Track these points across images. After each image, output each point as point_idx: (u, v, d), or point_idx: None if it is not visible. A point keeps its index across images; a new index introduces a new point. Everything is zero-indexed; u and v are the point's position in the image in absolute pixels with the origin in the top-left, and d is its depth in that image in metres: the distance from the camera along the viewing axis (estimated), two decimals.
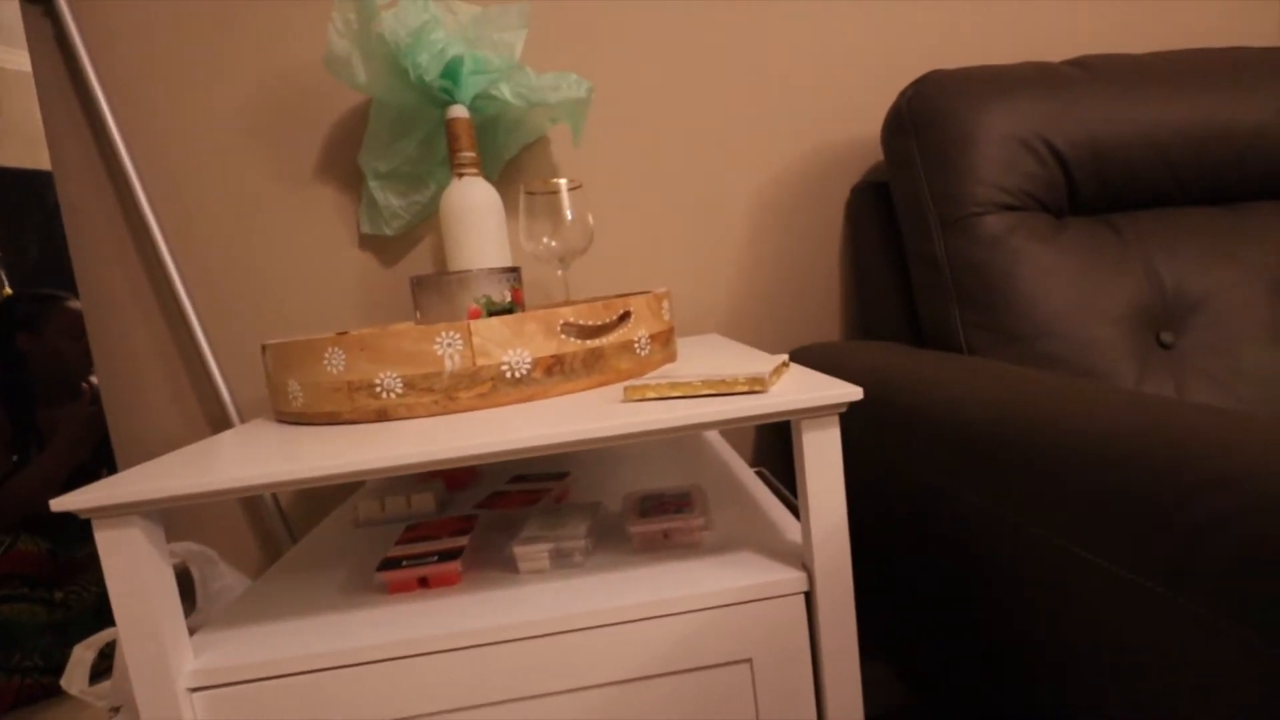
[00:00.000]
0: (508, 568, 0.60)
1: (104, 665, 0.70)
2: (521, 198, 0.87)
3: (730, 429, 1.09)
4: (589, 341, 0.63)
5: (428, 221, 1.01)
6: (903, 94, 0.92)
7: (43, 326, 1.52)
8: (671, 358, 0.74)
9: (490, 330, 0.58)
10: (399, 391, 0.58)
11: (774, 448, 1.10)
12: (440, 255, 1.02)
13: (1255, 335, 0.81)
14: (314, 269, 1.00)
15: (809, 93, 1.05)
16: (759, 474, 1.07)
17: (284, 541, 1.00)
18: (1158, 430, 0.42)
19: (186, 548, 0.88)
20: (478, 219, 0.86)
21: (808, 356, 0.96)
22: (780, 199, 1.06)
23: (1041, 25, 1.09)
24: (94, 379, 1.51)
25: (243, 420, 0.99)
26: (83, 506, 0.46)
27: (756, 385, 0.52)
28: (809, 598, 0.54)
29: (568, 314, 0.61)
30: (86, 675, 0.71)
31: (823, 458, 0.52)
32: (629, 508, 0.64)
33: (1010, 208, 0.84)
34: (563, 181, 0.86)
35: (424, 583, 0.57)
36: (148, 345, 0.98)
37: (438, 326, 0.58)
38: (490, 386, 0.59)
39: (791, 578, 0.53)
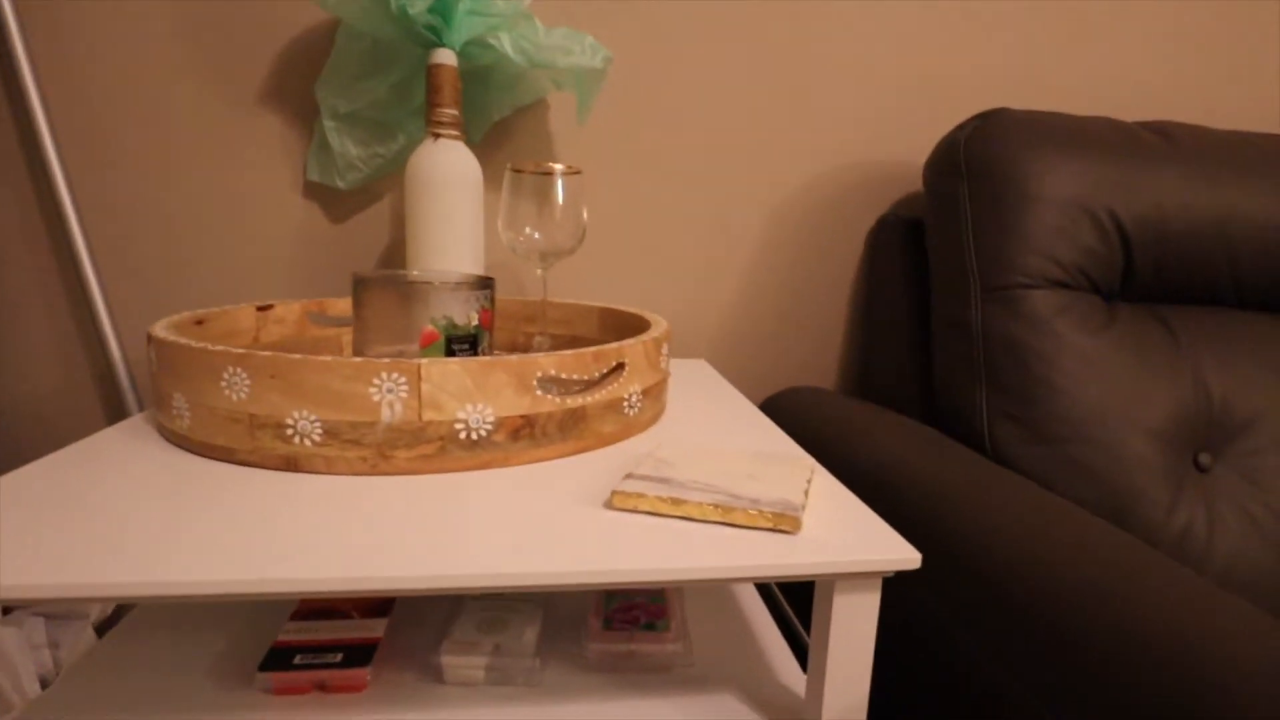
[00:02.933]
0: (430, 675, 0.48)
1: None
2: (506, 176, 0.72)
3: None
4: (569, 400, 0.50)
5: (390, 179, 0.85)
6: (961, 127, 0.79)
7: None
8: (660, 412, 0.62)
9: (447, 377, 0.45)
10: (316, 439, 0.45)
11: None
12: (400, 225, 0.87)
13: None
14: (246, 216, 0.83)
15: (849, 106, 0.91)
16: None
17: None
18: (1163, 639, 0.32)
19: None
20: (451, 194, 0.72)
21: (792, 400, 0.85)
22: (797, 221, 0.93)
23: (1122, 80, 0.96)
24: None
25: (137, 391, 0.82)
26: None
27: (785, 525, 0.40)
28: None
29: (548, 365, 0.48)
30: None
31: (855, 628, 0.41)
32: (591, 609, 0.53)
33: (1062, 284, 0.73)
34: (559, 166, 0.71)
35: (322, 688, 0.45)
36: (34, 289, 0.81)
37: (378, 364, 0.44)
38: (438, 448, 0.46)
39: None
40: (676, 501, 0.41)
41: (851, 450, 0.69)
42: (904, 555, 0.38)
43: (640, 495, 0.41)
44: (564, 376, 0.49)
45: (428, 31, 0.71)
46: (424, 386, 0.45)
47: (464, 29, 0.71)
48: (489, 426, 0.47)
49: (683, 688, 0.48)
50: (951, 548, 0.52)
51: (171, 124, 0.80)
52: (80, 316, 0.83)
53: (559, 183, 0.72)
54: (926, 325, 0.85)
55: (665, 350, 0.60)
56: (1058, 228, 0.73)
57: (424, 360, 0.45)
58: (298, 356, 0.44)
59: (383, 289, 0.53)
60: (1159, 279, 0.77)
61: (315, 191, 0.84)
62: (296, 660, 0.45)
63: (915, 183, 0.94)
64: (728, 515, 0.40)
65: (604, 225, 0.91)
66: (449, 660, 0.46)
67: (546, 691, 0.47)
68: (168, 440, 0.51)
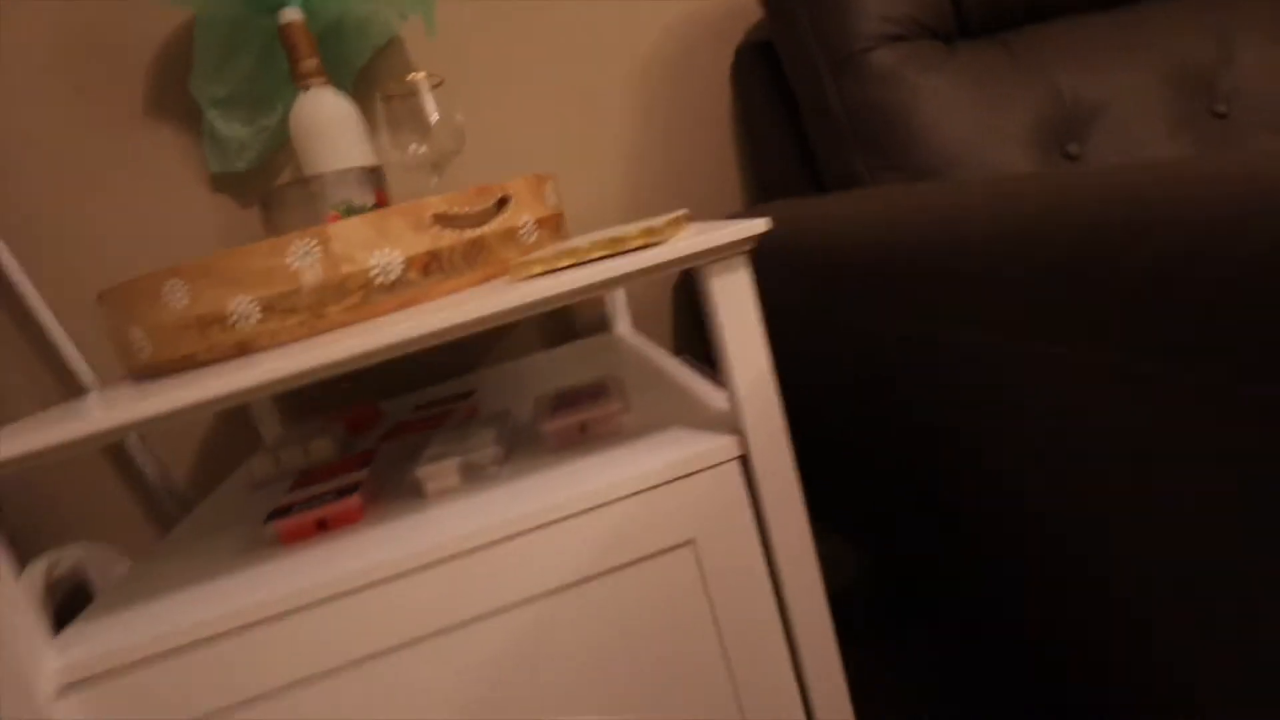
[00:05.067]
0: (415, 494, 0.55)
1: None
2: (379, 105, 0.78)
3: (647, 320, 1.04)
4: (467, 232, 0.56)
5: (285, 150, 0.91)
6: None
7: None
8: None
9: (350, 232, 0.51)
10: (257, 318, 0.51)
11: (696, 334, 1.06)
12: None
13: (1157, 134, 0.80)
14: (162, 222, 0.89)
15: None
16: (681, 360, 1.03)
17: (179, 520, 0.92)
18: (1072, 193, 0.38)
19: (80, 549, 0.80)
20: (332, 130, 0.77)
21: None
22: (661, 72, 0.99)
23: None
24: None
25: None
26: None
27: (652, 237, 0.46)
28: (745, 462, 0.50)
29: (437, 204, 0.54)
30: None
31: (737, 304, 0.47)
32: (541, 408, 0.59)
33: (899, 38, 0.79)
34: (421, 76, 0.77)
35: (322, 526, 0.52)
36: None
37: (289, 237, 0.50)
38: (361, 296, 0.52)
39: (723, 443, 0.49)
40: (561, 253, 0.47)
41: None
42: (750, 226, 0.45)
43: (533, 261, 0.48)
44: (454, 212, 0.55)
45: None
46: (333, 245, 0.51)
47: None
48: (400, 266, 0.53)
49: (633, 439, 0.55)
50: (862, 244, 0.58)
51: (70, 152, 0.86)
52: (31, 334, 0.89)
53: (426, 94, 0.78)
54: (800, 125, 0.91)
55: (550, 189, 0.66)
56: None
57: (329, 225, 0.51)
58: (220, 251, 0.50)
59: (283, 197, 0.59)
60: (992, 8, 0.83)
61: (223, 182, 0.90)
62: (296, 509, 0.52)
63: (758, 11, 1.00)
64: (605, 247, 0.47)
65: (483, 126, 0.97)
66: (425, 471, 0.53)
67: (516, 477, 0.53)
68: (139, 379, 0.58)
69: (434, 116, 0.78)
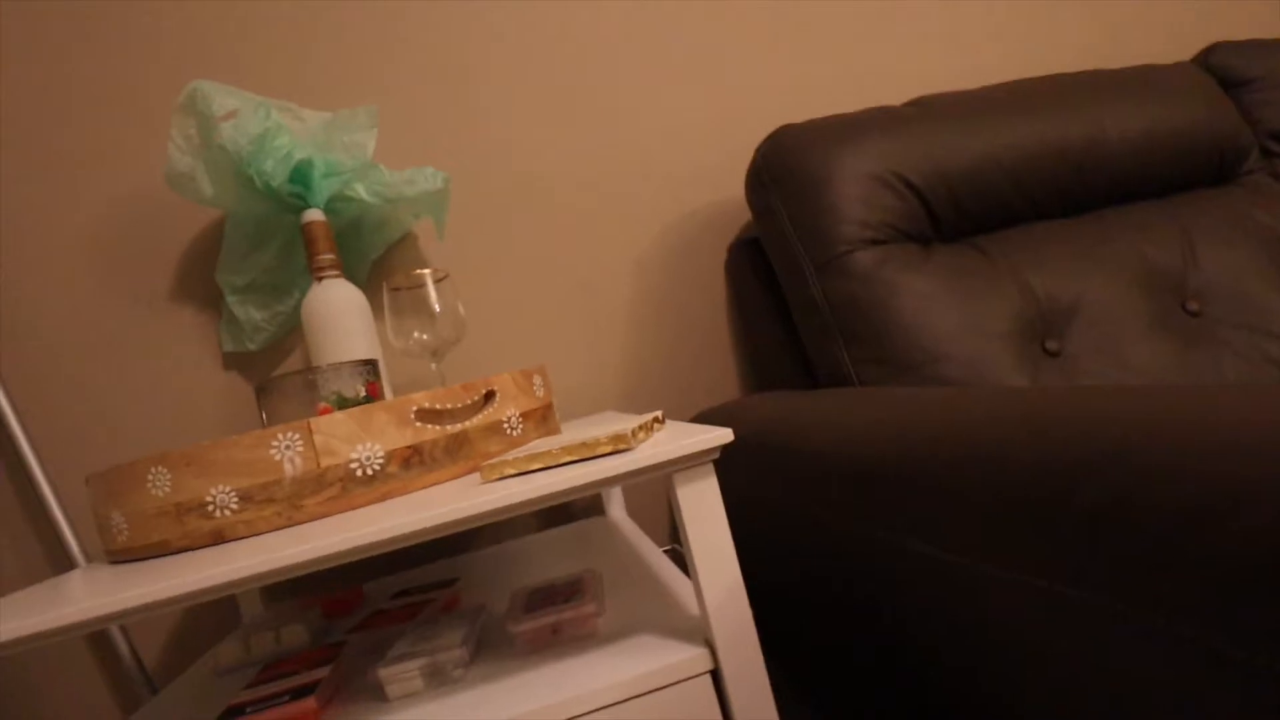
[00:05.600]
0: (376, 696, 0.53)
1: None
2: (386, 295, 0.83)
3: (643, 500, 1.04)
4: (449, 427, 0.58)
5: (296, 333, 0.96)
6: (758, 150, 0.93)
7: None
8: (551, 433, 0.70)
9: (334, 426, 0.53)
10: (234, 507, 0.52)
11: None
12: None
13: (1133, 328, 0.82)
14: (174, 396, 0.92)
15: (671, 162, 1.07)
16: (670, 552, 1.01)
17: (145, 699, 0.88)
18: (1031, 419, 0.39)
19: None
20: (340, 320, 0.82)
21: (709, 419, 0.93)
22: (660, 267, 1.05)
23: (882, 70, 1.14)
24: None
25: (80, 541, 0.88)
26: None
27: (620, 444, 0.47)
28: (716, 676, 0.48)
29: (421, 399, 0.57)
30: None
31: (702, 511, 0.48)
32: (514, 605, 0.58)
33: (877, 241, 0.84)
34: (427, 272, 0.82)
35: None
36: None
37: (273, 430, 0.52)
38: (339, 489, 0.53)
39: (692, 655, 0.48)
40: (532, 456, 0.48)
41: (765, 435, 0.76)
42: (716, 435, 0.46)
43: (503, 462, 0.49)
44: (438, 408, 0.57)
45: (294, 199, 0.83)
46: (316, 438, 0.53)
47: (323, 189, 0.84)
48: (380, 460, 0.54)
49: (606, 645, 0.53)
50: (824, 446, 0.59)
51: (95, 329, 0.91)
52: (29, 503, 0.89)
53: (431, 287, 0.83)
54: (789, 317, 0.95)
55: (539, 381, 0.68)
56: (856, 198, 0.85)
57: (312, 418, 0.53)
58: (207, 442, 0.52)
59: (279, 386, 0.61)
60: (964, 216, 0.89)
61: (233, 360, 0.94)
62: (249, 710, 0.50)
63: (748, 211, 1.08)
64: (575, 452, 0.48)
65: (485, 316, 1.01)
66: (386, 673, 0.51)
67: (482, 681, 0.51)
68: (115, 562, 0.58)
69: (437, 308, 0.83)
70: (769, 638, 0.76)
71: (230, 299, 0.90)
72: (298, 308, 0.92)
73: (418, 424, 0.56)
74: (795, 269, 0.87)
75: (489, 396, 0.61)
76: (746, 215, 1.08)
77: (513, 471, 0.49)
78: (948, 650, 0.45)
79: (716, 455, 0.47)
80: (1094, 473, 0.33)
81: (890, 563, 0.49)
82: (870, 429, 0.54)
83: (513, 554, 0.88)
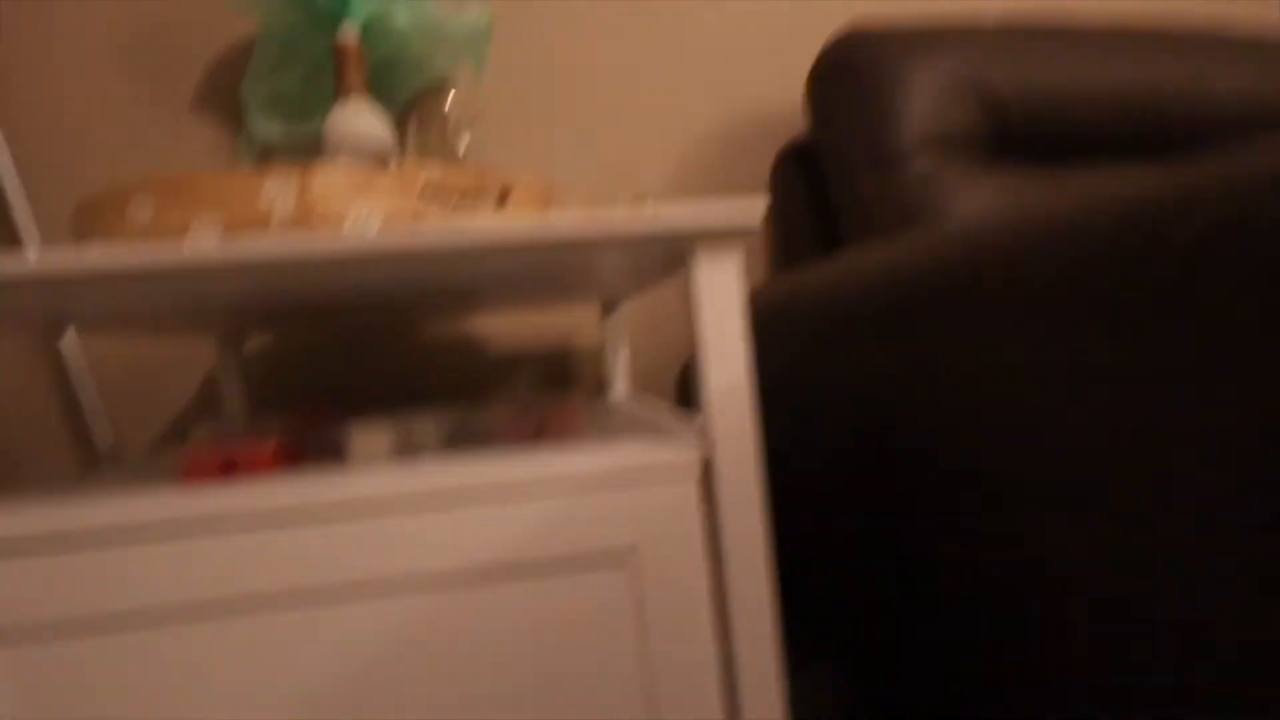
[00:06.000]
0: (339, 458, 0.49)
1: None
2: (411, 128, 0.80)
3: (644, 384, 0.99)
4: (454, 211, 0.54)
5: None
6: (825, 47, 0.88)
7: None
8: None
9: (335, 178, 0.49)
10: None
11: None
12: None
13: None
14: None
15: (728, 57, 1.02)
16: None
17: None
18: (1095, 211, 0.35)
19: None
20: (361, 142, 0.78)
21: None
22: (703, 165, 1.01)
23: None
24: None
25: None
26: None
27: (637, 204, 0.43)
28: (707, 469, 0.44)
29: (433, 173, 0.53)
30: None
31: (722, 295, 0.43)
32: (499, 414, 0.54)
33: (941, 152, 0.79)
34: (459, 97, 0.78)
35: (229, 467, 0.46)
36: None
37: (271, 171, 0.49)
38: None
39: (685, 445, 0.44)
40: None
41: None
42: (750, 207, 0.42)
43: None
44: (449, 183, 0.53)
45: (333, 9, 0.80)
46: (313, 186, 0.49)
47: (362, 5, 0.80)
48: (374, 225, 0.50)
49: (587, 441, 0.49)
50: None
51: (119, 125, 0.88)
52: None
53: (461, 121, 0.79)
54: (833, 231, 0.91)
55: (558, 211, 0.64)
56: (925, 109, 0.79)
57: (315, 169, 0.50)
58: (200, 170, 0.48)
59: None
60: (1034, 142, 0.83)
61: None
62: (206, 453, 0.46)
63: (800, 121, 1.04)
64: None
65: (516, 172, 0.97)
66: (355, 438, 0.47)
67: (451, 457, 0.47)
68: None
69: (463, 148, 0.79)
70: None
71: (252, 113, 0.86)
72: (318, 135, 0.88)
73: (422, 199, 0.52)
74: (850, 172, 0.83)
75: (505, 194, 0.57)
76: (799, 125, 1.03)
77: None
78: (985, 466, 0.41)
79: (752, 231, 0.42)
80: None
81: (925, 385, 0.44)
82: (934, 244, 0.49)
83: None
